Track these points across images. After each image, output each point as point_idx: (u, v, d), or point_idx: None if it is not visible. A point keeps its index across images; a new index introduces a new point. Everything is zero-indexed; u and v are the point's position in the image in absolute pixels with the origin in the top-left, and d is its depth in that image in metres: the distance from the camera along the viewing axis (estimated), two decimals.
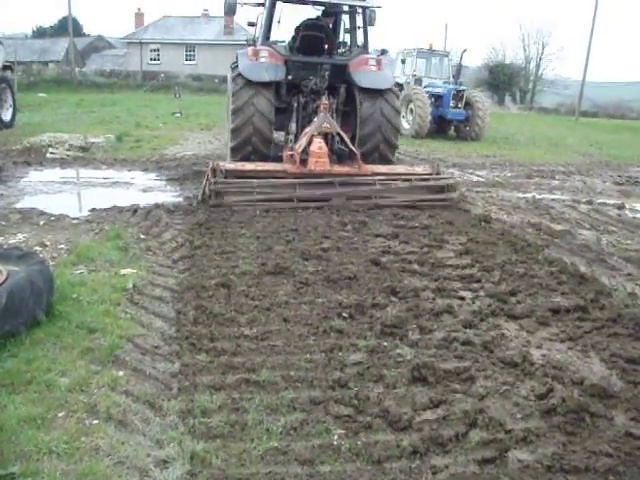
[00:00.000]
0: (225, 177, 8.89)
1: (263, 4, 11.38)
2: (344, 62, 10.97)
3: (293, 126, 11.02)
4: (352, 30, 11.70)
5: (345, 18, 12.22)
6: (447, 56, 23.93)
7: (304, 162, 9.46)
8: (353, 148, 9.86)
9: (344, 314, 4.95)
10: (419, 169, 10.38)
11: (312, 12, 11.82)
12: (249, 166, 9.49)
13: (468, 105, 20.93)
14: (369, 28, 11.13)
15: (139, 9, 58.54)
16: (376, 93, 10.55)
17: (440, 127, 21.87)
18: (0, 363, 3.78)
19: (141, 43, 53.72)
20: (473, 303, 5.42)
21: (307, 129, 9.95)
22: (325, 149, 9.62)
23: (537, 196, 10.99)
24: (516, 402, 3.72)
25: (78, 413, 3.37)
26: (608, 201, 10.90)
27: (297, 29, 11.49)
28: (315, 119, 9.88)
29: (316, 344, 4.38)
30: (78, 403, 3.46)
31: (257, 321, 4.74)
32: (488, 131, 22.01)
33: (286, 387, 3.76)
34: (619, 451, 3.25)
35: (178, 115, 23.19)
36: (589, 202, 10.60)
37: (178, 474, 2.95)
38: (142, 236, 7.03)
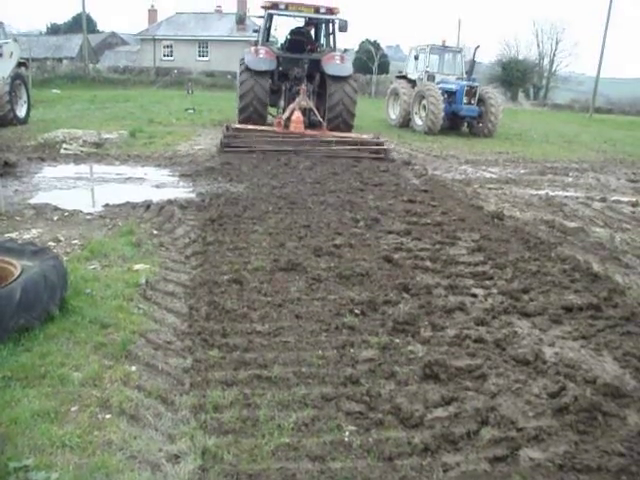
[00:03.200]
0: (234, 132, 13.57)
1: (264, 16, 16.82)
2: (318, 58, 16.24)
3: (282, 103, 16.56)
4: (327, 35, 17.22)
5: (323, 26, 17.51)
6: (460, 52, 23.74)
7: (287, 126, 14.34)
8: (320, 119, 15.09)
9: (356, 311, 4.95)
10: (365, 136, 14.91)
11: (298, 22, 17.87)
12: (250, 126, 14.40)
13: (481, 101, 20.80)
14: (343, 34, 17.32)
15: (152, 5, 58.75)
16: (340, 79, 15.65)
17: (453, 123, 21.77)
18: (14, 357, 3.81)
19: (154, 39, 53.84)
20: (485, 300, 5.41)
21: (291, 105, 14.99)
22: (302, 118, 14.53)
23: (550, 193, 10.93)
24: (528, 400, 3.71)
25: (91, 407, 3.39)
26: (622, 198, 10.82)
27: (288, 34, 17.45)
28: (297, 98, 14.96)
29: (328, 341, 4.39)
30: (91, 397, 3.49)
31: (269, 317, 4.75)
32: (501, 127, 21.91)
33: (298, 383, 3.77)
34: (632, 450, 3.23)
35: (191, 111, 23.22)
36: (603, 199, 10.54)
37: (190, 469, 2.96)
38: (155, 232, 7.05)
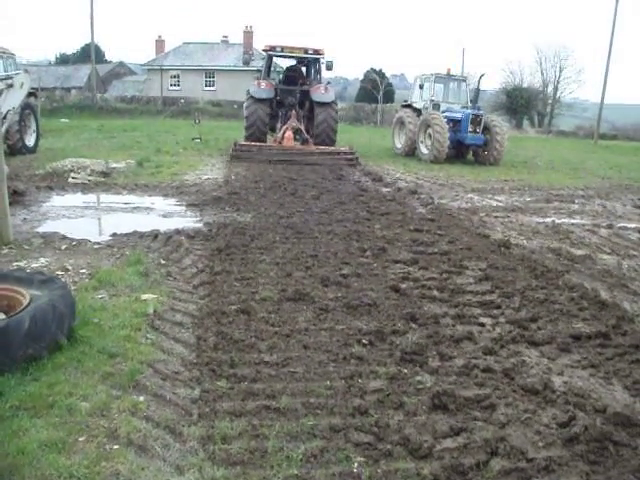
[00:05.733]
0: (240, 147, 18.24)
1: (264, 57, 21.80)
2: (307, 89, 20.49)
3: (279, 125, 20.43)
4: (315, 71, 21.62)
5: (312, 64, 21.76)
6: (465, 81, 23.88)
7: (281, 142, 18.97)
8: (308, 137, 19.69)
9: (364, 341, 4.95)
10: (342, 149, 19.43)
11: (292, 61, 22.77)
12: (252, 143, 18.96)
13: (486, 130, 20.87)
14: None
15: (160, 36, 59.36)
16: (324, 105, 19.74)
17: (458, 152, 21.84)
18: (22, 387, 3.81)
19: (161, 69, 54.35)
20: (493, 330, 5.40)
21: (284, 126, 19.46)
22: (292, 135, 19.13)
23: (557, 221, 10.93)
24: (538, 430, 3.68)
25: (99, 438, 3.39)
26: (629, 225, 10.83)
27: (284, 70, 23.19)
28: (289, 120, 19.53)
29: (336, 371, 4.38)
30: (99, 428, 3.49)
31: (277, 347, 4.75)
32: (506, 155, 21.96)
33: (306, 414, 3.76)
34: None
35: (198, 141, 23.38)
36: (609, 226, 10.54)
37: None
38: (162, 261, 7.08)
